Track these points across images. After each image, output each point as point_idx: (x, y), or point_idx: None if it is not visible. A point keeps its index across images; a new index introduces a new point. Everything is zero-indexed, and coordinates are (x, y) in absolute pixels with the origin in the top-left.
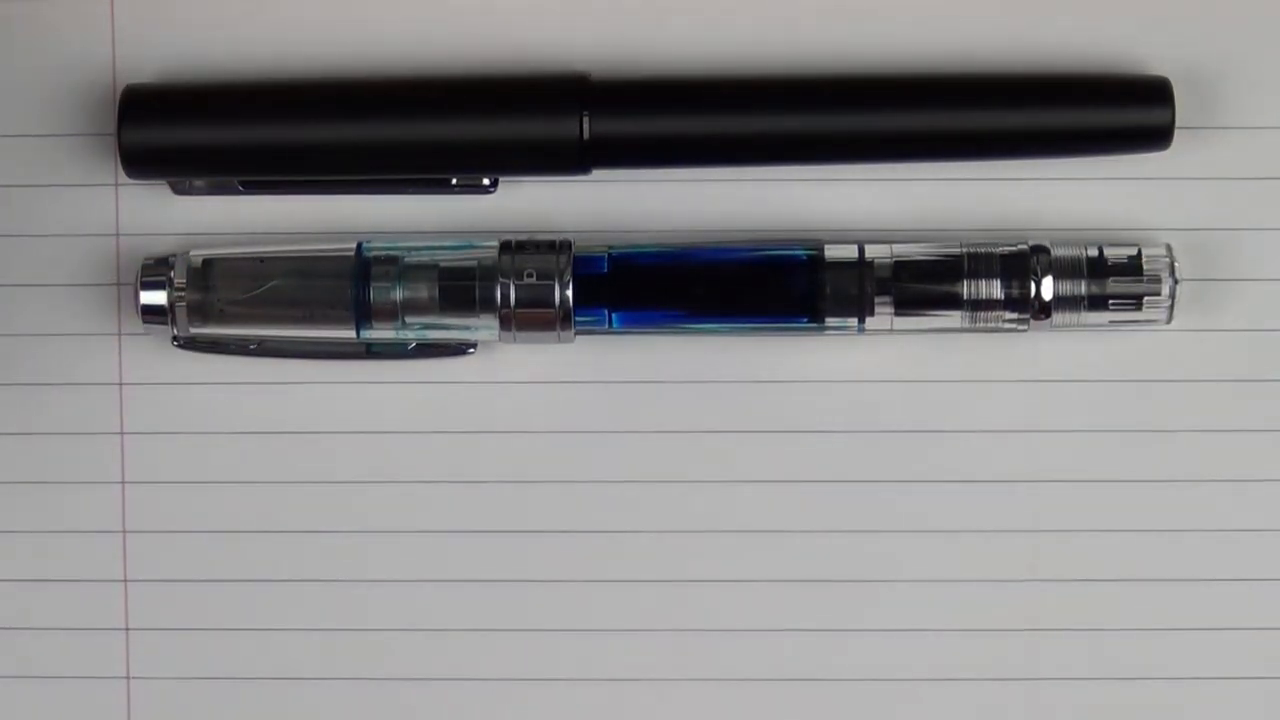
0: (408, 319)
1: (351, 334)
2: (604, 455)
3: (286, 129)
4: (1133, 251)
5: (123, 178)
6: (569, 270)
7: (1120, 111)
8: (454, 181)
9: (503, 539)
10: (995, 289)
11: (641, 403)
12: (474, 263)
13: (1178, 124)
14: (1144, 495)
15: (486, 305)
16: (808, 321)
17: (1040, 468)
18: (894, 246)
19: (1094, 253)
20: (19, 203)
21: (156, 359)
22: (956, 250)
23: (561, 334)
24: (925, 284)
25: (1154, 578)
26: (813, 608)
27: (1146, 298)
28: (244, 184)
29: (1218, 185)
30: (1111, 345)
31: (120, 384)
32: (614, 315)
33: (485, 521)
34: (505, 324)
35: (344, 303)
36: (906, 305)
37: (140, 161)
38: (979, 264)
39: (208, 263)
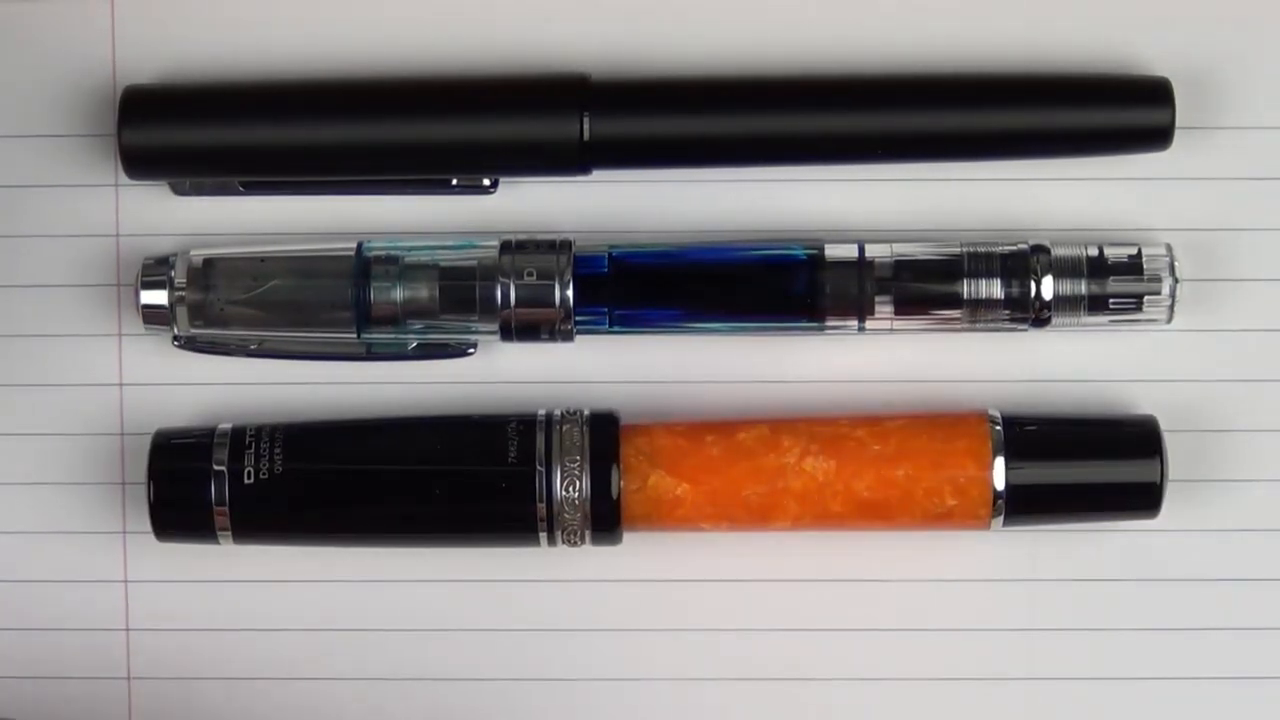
0: (408, 319)
1: (352, 334)
2: None
3: (286, 129)
4: (1133, 251)
5: (123, 178)
6: (569, 270)
7: (1120, 111)
8: (454, 181)
9: None
10: (995, 289)
11: (641, 402)
12: (474, 263)
13: (1178, 124)
14: None
15: (486, 305)
16: (808, 321)
17: None
18: (894, 246)
19: (1094, 253)
20: (19, 203)
21: (156, 359)
22: (956, 250)
23: (561, 334)
24: (925, 284)
25: (1153, 577)
26: (812, 606)
27: (1146, 298)
28: (244, 184)
29: (1218, 185)
30: (1111, 345)
31: (120, 384)
32: (614, 315)
33: None
34: (505, 324)
35: (344, 303)
36: (906, 305)
37: (140, 162)
38: (979, 264)
39: (208, 263)
